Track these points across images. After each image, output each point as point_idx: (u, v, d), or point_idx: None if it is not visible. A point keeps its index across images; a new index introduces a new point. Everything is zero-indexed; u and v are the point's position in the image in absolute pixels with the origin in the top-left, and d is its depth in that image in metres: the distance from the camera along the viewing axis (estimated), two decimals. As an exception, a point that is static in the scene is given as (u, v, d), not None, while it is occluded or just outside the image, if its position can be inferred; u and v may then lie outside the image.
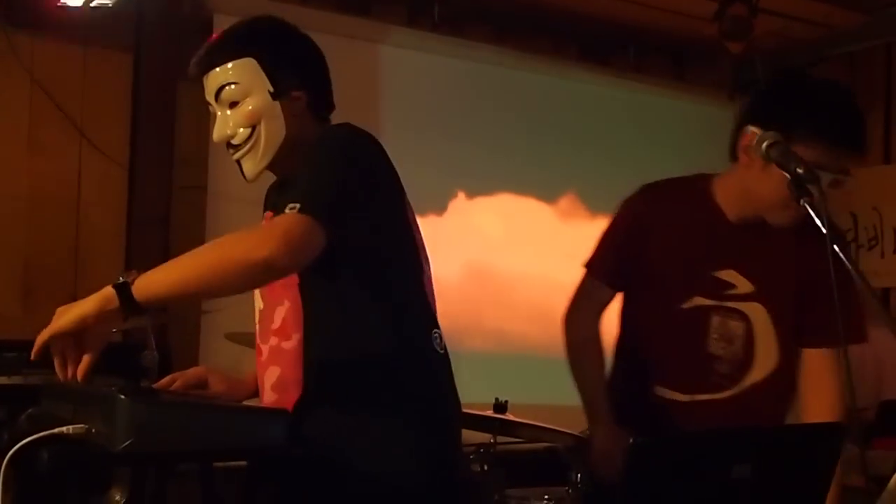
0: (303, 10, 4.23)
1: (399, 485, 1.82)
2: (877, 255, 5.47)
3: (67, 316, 1.74)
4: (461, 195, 4.79)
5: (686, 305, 2.24)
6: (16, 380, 3.25)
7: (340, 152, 1.83)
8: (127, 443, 1.52)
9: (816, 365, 2.25)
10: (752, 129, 2.13)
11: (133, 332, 3.29)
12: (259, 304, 2.05)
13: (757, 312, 2.24)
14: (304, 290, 1.91)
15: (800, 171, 1.87)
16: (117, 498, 2.60)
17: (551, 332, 4.88)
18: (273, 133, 1.92)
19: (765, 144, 1.99)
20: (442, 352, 1.92)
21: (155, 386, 2.03)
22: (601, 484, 2.27)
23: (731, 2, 4.55)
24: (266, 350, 2.00)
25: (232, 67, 1.92)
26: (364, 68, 4.48)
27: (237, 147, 1.94)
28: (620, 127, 5.31)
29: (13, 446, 1.61)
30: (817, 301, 2.22)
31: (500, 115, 5.02)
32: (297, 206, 1.69)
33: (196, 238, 4.15)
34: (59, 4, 3.81)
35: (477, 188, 4.89)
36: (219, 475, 2.26)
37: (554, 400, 4.50)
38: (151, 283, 1.75)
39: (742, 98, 5.83)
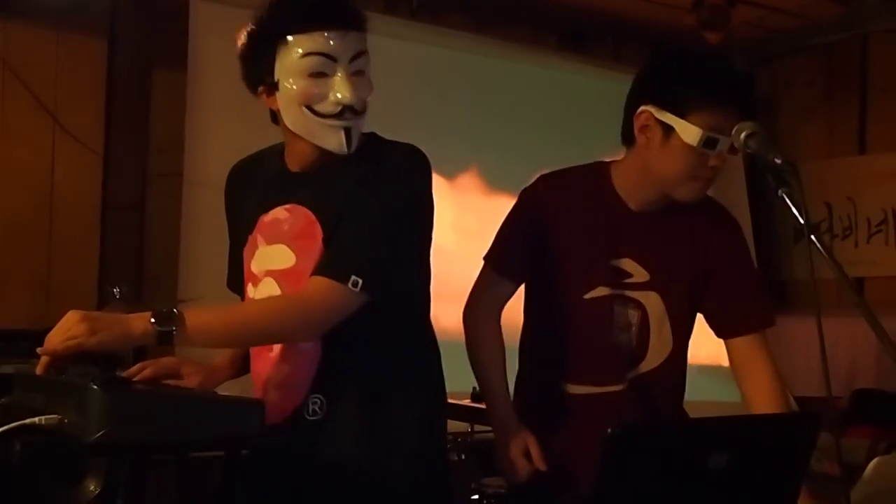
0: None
1: (402, 476, 1.94)
2: (851, 244, 5.51)
3: (91, 340, 1.69)
4: (438, 181, 4.78)
5: (589, 296, 2.21)
6: (-13, 368, 3.23)
7: (407, 209, 1.91)
8: (100, 433, 1.52)
9: (745, 353, 2.24)
10: (645, 108, 2.15)
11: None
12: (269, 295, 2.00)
13: (652, 301, 2.22)
14: None
15: (778, 161, 1.87)
16: (91, 488, 2.58)
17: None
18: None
19: (743, 135, 1.99)
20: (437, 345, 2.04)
21: (125, 374, 2.00)
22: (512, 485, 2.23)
23: (710, -9, 4.56)
24: (277, 348, 1.96)
25: (365, 39, 1.91)
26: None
27: (357, 114, 1.90)
28: (598, 115, 5.29)
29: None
30: (727, 289, 2.25)
31: (477, 103, 5.01)
32: (358, 282, 1.81)
33: (171, 226, 4.13)
34: (32, -11, 3.77)
35: (453, 176, 4.88)
36: (196, 464, 2.24)
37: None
38: (195, 336, 1.77)
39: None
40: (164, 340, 1.74)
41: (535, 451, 2.13)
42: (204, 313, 1.81)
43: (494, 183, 5.00)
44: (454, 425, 3.11)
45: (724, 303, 2.25)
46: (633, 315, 2.22)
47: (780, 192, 1.89)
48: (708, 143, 2.09)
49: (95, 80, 4.13)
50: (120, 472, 1.89)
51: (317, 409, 1.92)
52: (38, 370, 1.73)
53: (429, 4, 4.95)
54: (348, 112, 1.88)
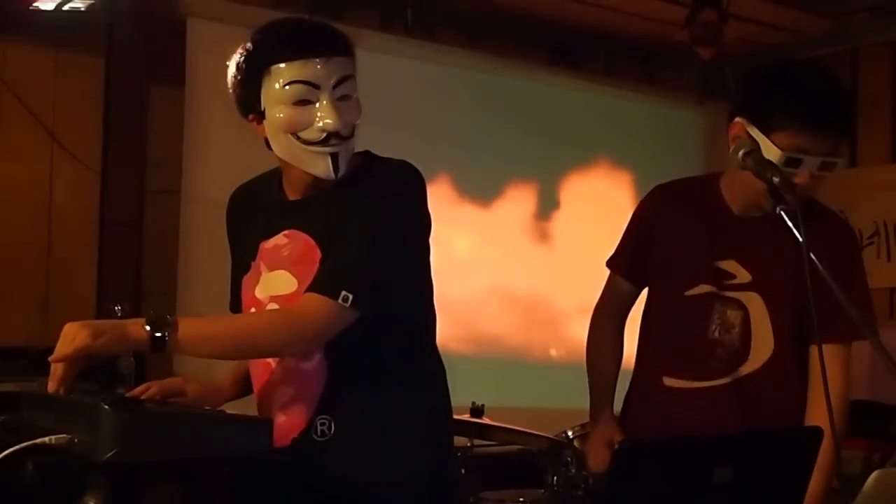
0: (274, 13, 4.21)
1: (410, 495, 1.97)
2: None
3: (97, 343, 1.74)
4: (433, 197, 4.79)
5: (690, 293, 2.30)
6: (-12, 386, 3.23)
7: (399, 224, 1.92)
8: (111, 453, 1.52)
9: (817, 361, 2.25)
10: (738, 119, 2.18)
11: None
12: None
13: (754, 302, 2.27)
14: None
15: (776, 179, 1.90)
16: (91, 505, 2.58)
17: (528, 336, 4.91)
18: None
19: (741, 153, 2.03)
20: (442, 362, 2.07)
21: (131, 393, 2.01)
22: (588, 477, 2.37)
23: (702, 7, 4.59)
24: (279, 369, 1.97)
25: (352, 63, 1.93)
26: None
27: (343, 140, 1.91)
28: (591, 130, 5.35)
29: (-8, 456, 1.61)
30: (822, 296, 2.23)
31: (472, 118, 5.04)
32: (348, 297, 1.82)
33: (169, 242, 4.15)
34: (31, 7, 3.78)
35: (448, 190, 4.90)
36: (201, 483, 2.26)
37: (530, 403, 4.54)
38: (186, 344, 1.80)
39: (710, 102, 5.90)
40: (157, 346, 1.76)
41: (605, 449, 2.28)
42: (197, 322, 1.84)
43: (489, 196, 5.03)
44: (454, 440, 3.12)
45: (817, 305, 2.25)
46: (736, 315, 2.27)
47: (777, 209, 1.91)
48: (789, 162, 2.10)
49: (93, 97, 4.15)
50: (122, 491, 1.89)
51: (325, 430, 1.94)
52: (51, 384, 1.74)
53: (423, 21, 4.98)
54: (334, 138, 1.89)
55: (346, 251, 1.88)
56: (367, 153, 2.01)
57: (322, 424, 1.94)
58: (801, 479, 1.62)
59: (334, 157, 1.90)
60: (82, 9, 3.85)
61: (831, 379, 2.13)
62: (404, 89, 4.77)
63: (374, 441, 1.94)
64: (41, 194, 4.03)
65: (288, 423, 1.94)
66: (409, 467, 1.97)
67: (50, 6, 3.81)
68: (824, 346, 2.14)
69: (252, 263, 2.04)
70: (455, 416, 3.02)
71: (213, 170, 4.07)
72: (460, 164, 4.94)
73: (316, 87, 1.88)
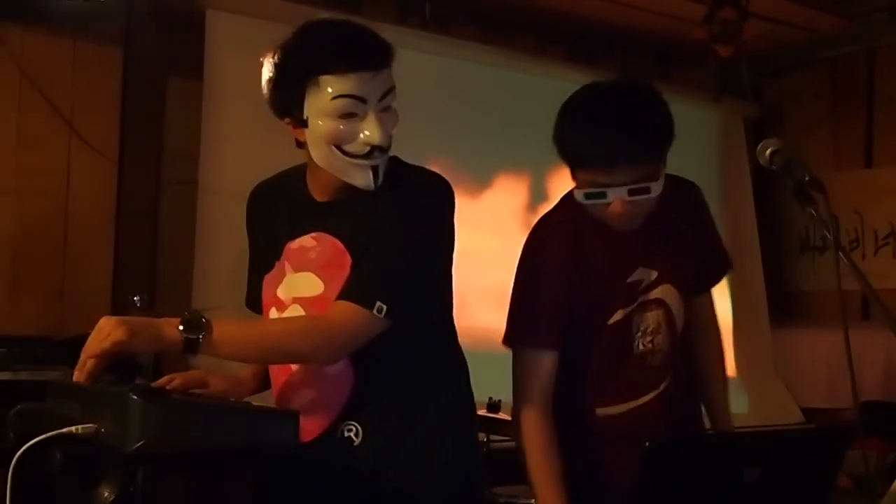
0: (293, 6, 4.22)
1: (437, 489, 1.96)
2: (858, 257, 5.53)
3: (133, 341, 1.74)
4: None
5: (612, 321, 2.16)
6: (5, 375, 3.24)
7: (430, 235, 1.92)
8: (140, 443, 1.52)
9: (701, 308, 2.32)
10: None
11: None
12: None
13: (667, 292, 2.19)
14: None
15: (806, 178, 1.88)
16: (106, 495, 2.58)
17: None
18: None
19: (768, 151, 2.00)
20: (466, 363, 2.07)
21: (155, 384, 2.01)
22: None
23: (722, 5, 4.58)
24: (300, 370, 1.97)
25: (391, 74, 1.90)
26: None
27: (383, 152, 1.90)
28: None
29: (18, 445, 1.61)
30: (699, 254, 2.27)
31: (487, 113, 5.03)
32: (382, 308, 1.82)
33: (185, 234, 4.15)
34: (50, -2, 3.79)
35: (464, 184, 4.89)
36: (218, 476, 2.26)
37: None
38: (219, 347, 1.79)
39: (726, 100, 5.89)
40: (190, 348, 1.76)
41: None
42: (231, 325, 1.83)
43: (508, 192, 5.03)
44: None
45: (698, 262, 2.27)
46: (655, 315, 2.18)
47: (806, 209, 1.90)
48: (591, 196, 2.03)
49: (111, 88, 4.15)
50: (138, 481, 1.89)
51: (352, 436, 1.94)
52: (80, 375, 1.73)
53: (440, 15, 4.97)
54: (377, 151, 1.88)
55: (381, 261, 1.88)
56: (394, 159, 1.99)
57: (349, 431, 1.93)
58: (827, 478, 1.61)
59: (375, 168, 1.90)
60: (102, -1, 3.85)
61: (714, 323, 2.36)
62: (420, 83, 4.76)
63: (400, 446, 1.94)
64: (58, 184, 4.03)
65: (308, 425, 1.91)
66: (436, 467, 1.97)
67: (70, -4, 3.82)
68: (705, 297, 2.35)
69: (276, 263, 2.03)
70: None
71: (230, 162, 4.07)
72: (474, 158, 4.93)
73: (363, 101, 1.85)
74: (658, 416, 2.14)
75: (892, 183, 5.54)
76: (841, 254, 1.76)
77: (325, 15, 2.00)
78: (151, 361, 2.89)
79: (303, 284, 1.97)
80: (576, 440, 2.13)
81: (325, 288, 1.93)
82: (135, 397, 1.54)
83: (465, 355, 2.09)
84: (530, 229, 2.26)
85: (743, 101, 6.01)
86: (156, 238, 4.25)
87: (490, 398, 3.16)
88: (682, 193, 2.27)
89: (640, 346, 2.17)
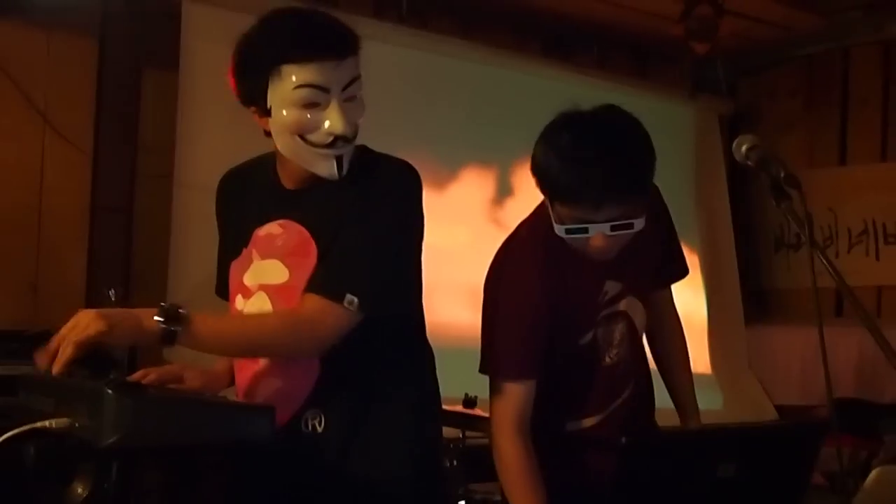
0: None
1: (398, 480, 1.96)
2: (832, 254, 5.57)
3: (112, 333, 1.73)
4: (429, 186, 4.77)
5: (584, 341, 2.16)
6: (-22, 369, 3.20)
7: (398, 224, 1.91)
8: (114, 437, 1.52)
9: (657, 306, 2.34)
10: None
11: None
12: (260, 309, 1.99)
13: (631, 304, 2.21)
14: None
15: (781, 174, 1.89)
16: (80, 490, 2.57)
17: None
18: None
19: (744, 147, 2.01)
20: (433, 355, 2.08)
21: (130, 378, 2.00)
22: None
23: (698, 2, 4.60)
24: (266, 360, 1.97)
25: (357, 62, 1.89)
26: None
27: (348, 142, 1.90)
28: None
29: (-10, 440, 1.59)
30: (657, 253, 2.29)
31: (464, 107, 5.03)
32: (353, 300, 1.82)
33: (160, 227, 4.12)
34: (25, -12, 3.75)
35: (440, 180, 4.89)
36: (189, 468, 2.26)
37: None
38: (197, 339, 1.79)
39: (702, 97, 5.92)
40: (168, 340, 1.74)
41: None
42: (209, 319, 1.82)
43: (483, 186, 5.03)
44: (445, 431, 3.12)
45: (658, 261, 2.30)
46: (618, 328, 2.20)
47: (781, 205, 1.91)
48: (572, 231, 2.01)
49: (86, 80, 4.11)
50: (113, 475, 1.88)
51: (316, 423, 1.93)
52: (56, 368, 1.71)
53: (417, 9, 4.96)
54: (340, 141, 1.88)
55: (349, 251, 1.87)
56: (362, 148, 1.99)
57: (313, 418, 1.93)
58: (802, 474, 1.63)
59: (339, 158, 1.89)
60: (77, -10, 3.82)
61: (673, 313, 2.39)
62: (397, 78, 4.76)
63: (363, 435, 1.94)
64: (32, 176, 3.99)
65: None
66: (398, 456, 1.97)
67: (44, -14, 3.78)
68: (664, 291, 2.37)
69: (244, 250, 2.03)
70: (447, 408, 3.04)
71: (206, 155, 4.04)
72: (450, 153, 4.93)
73: (325, 90, 1.85)
74: (624, 422, 2.16)
75: (866, 181, 5.58)
76: (816, 251, 1.77)
77: (300, 8, 1.99)
78: (126, 356, 2.86)
79: (269, 272, 1.97)
80: (548, 451, 2.11)
81: (291, 275, 1.93)
82: (109, 391, 1.53)
83: (439, 352, 2.10)
84: (500, 250, 2.22)
85: (718, 98, 6.04)
86: (130, 231, 4.22)
87: (466, 394, 3.16)
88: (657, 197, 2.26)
89: (607, 359, 2.19)
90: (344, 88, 1.87)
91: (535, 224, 2.20)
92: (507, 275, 2.16)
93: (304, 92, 1.84)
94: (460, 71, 5.05)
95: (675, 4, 4.79)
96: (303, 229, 1.95)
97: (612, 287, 2.17)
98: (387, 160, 2.00)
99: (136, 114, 4.25)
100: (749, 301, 5.97)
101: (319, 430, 1.93)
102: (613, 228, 1.98)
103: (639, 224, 1.99)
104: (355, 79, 1.89)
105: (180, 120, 4.14)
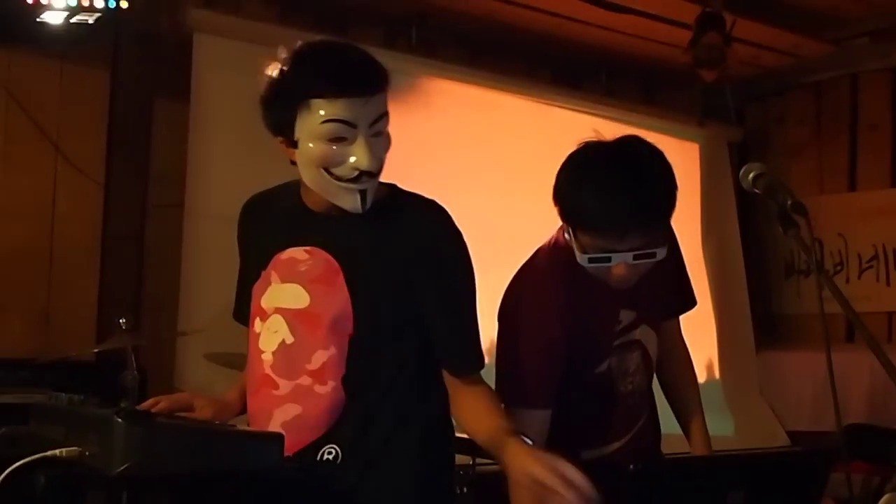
0: (281, 29, 4.24)
1: None
2: (842, 280, 5.56)
3: None
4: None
5: (600, 370, 2.18)
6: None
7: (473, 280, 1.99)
8: (124, 466, 1.52)
9: (667, 336, 2.34)
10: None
11: (113, 353, 3.25)
12: (285, 336, 1.97)
13: (645, 333, 2.23)
14: (360, 343, 1.92)
15: (788, 202, 1.89)
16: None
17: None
18: None
19: (751, 175, 2.01)
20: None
21: (139, 408, 2.01)
22: None
23: (706, 30, 4.61)
24: (288, 386, 1.95)
25: (385, 98, 1.89)
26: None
27: (373, 178, 1.90)
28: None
29: (1, 468, 1.60)
30: (668, 284, 2.30)
31: (473, 135, 5.05)
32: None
33: (171, 256, 4.14)
34: (38, 20, 3.78)
35: (452, 206, 4.89)
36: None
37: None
38: None
39: (710, 124, 5.93)
40: None
41: None
42: None
43: (489, 213, 5.04)
44: (457, 458, 3.12)
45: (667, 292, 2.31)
46: (633, 357, 2.21)
47: (788, 233, 1.90)
48: (595, 260, 2.03)
49: (98, 110, 4.15)
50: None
51: (331, 458, 1.93)
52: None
53: (427, 39, 4.99)
54: (365, 176, 1.88)
55: (466, 319, 1.96)
56: (390, 185, 2.01)
57: (329, 454, 1.93)
58: (812, 501, 1.62)
59: (363, 192, 1.89)
60: (90, 22, 3.85)
61: (681, 342, 2.39)
62: (407, 106, 4.78)
63: (375, 466, 1.93)
64: (44, 206, 4.02)
65: (288, 442, 1.92)
66: (409, 495, 1.96)
67: (57, 19, 3.82)
68: (671, 321, 2.36)
69: (262, 273, 2.03)
70: (457, 434, 3.04)
71: (217, 184, 4.07)
72: (462, 178, 4.94)
73: (353, 126, 1.85)
74: (637, 450, 2.16)
75: (876, 206, 5.58)
76: (823, 278, 1.77)
77: (311, 38, 2.01)
78: (137, 384, 2.88)
79: (288, 295, 1.96)
80: None
81: (312, 302, 1.93)
82: (119, 420, 1.54)
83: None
84: (517, 277, 2.23)
85: (727, 125, 6.05)
86: (142, 260, 4.24)
87: (476, 421, 3.15)
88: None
89: (622, 388, 2.20)
90: (371, 124, 1.87)
91: (552, 252, 2.21)
92: (525, 304, 2.16)
93: (331, 126, 1.84)
94: (470, 99, 5.07)
95: (683, 32, 4.81)
96: (330, 258, 1.94)
97: (626, 316, 2.18)
98: (418, 199, 2.02)
99: (147, 144, 4.29)
100: (760, 327, 5.95)
101: (336, 462, 1.93)
102: (636, 258, 1.99)
103: (661, 253, 2.01)
104: (382, 115, 1.89)
105: (191, 150, 4.17)
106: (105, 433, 1.55)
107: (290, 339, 1.95)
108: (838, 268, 5.61)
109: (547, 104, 5.33)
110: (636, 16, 4.90)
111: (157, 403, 2.00)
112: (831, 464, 1.58)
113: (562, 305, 2.12)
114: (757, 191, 2.02)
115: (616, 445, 2.19)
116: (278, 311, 1.97)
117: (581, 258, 2.03)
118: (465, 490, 3.10)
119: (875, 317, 5.40)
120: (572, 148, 2.15)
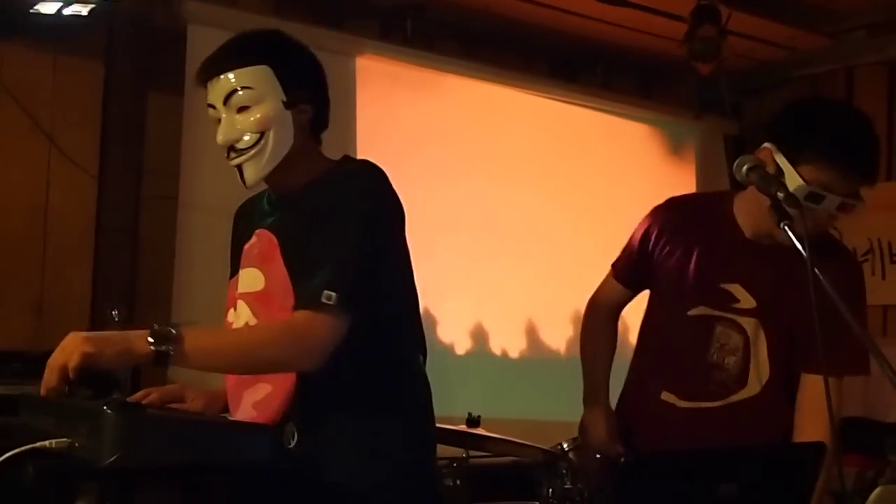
0: (276, 21, 4.22)
1: (384, 497, 1.91)
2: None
3: (101, 357, 1.72)
4: (435, 205, 4.77)
5: (692, 313, 2.32)
6: (-18, 390, 3.21)
7: (366, 219, 1.90)
8: (113, 457, 1.52)
9: (811, 390, 2.28)
10: (768, 145, 2.19)
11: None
12: (248, 319, 2.00)
13: (755, 329, 2.28)
14: None
15: (780, 194, 1.90)
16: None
17: (525, 345, 4.90)
18: (280, 142, 1.96)
19: (745, 168, 2.03)
20: (425, 375, 2.05)
21: (131, 398, 2.00)
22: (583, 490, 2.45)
23: (702, 23, 4.60)
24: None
25: (246, 73, 1.95)
26: (338, 80, 4.47)
27: (241, 152, 1.95)
28: (587, 142, 5.35)
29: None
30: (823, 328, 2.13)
31: (469, 128, 5.04)
32: (331, 295, 1.80)
33: (165, 248, 4.13)
34: (31, 11, 3.77)
35: (449, 199, 4.89)
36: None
37: (525, 415, 4.54)
38: (191, 358, 1.77)
39: (706, 117, 5.93)
40: (161, 361, 1.74)
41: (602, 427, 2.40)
42: (202, 336, 1.83)
43: (485, 206, 5.03)
44: (449, 450, 3.12)
45: (811, 339, 2.14)
46: (737, 340, 2.29)
47: (781, 224, 1.91)
48: (811, 197, 2.12)
49: (92, 102, 4.13)
50: (113, 496, 1.88)
51: (289, 438, 1.92)
52: (43, 390, 1.72)
53: (423, 31, 4.98)
54: (232, 152, 1.96)
55: (318, 257, 1.87)
56: (344, 158, 2.06)
57: (288, 432, 1.92)
58: (805, 494, 1.62)
59: (239, 168, 1.97)
60: (83, 14, 3.84)
61: (822, 410, 2.05)
62: (404, 99, 4.78)
63: (335, 449, 1.92)
64: (38, 197, 4.01)
65: (259, 420, 1.93)
66: (382, 474, 1.94)
67: (51, 10, 3.80)
68: (818, 378, 2.15)
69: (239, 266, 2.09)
70: (450, 427, 3.03)
71: (210, 177, 4.06)
72: (458, 172, 4.94)
73: (213, 107, 1.98)
74: (718, 429, 2.26)
75: (871, 200, 5.55)
76: (815, 270, 1.77)
77: (307, 30, 2.04)
78: (129, 376, 2.87)
79: (248, 280, 2.02)
80: (642, 416, 2.41)
81: (266, 282, 1.97)
82: (109, 411, 1.53)
83: (444, 372, 2.08)
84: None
85: (723, 118, 6.04)
86: (135, 253, 4.23)
87: (469, 414, 3.15)
88: (840, 262, 2.33)
89: (713, 357, 2.29)
90: (225, 102, 1.95)
91: (706, 194, 2.56)
92: (653, 209, 2.49)
93: (208, 111, 2.00)
94: (465, 92, 5.06)
95: (679, 25, 4.80)
96: (272, 236, 2.00)
97: (742, 295, 2.28)
98: (349, 161, 2.05)
99: (141, 136, 4.27)
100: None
101: (292, 443, 1.92)
102: (840, 207, 2.17)
103: (857, 210, 2.20)
104: (233, 91, 1.95)
105: (185, 142, 4.16)
106: (95, 424, 1.54)
107: (253, 322, 1.98)
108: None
109: (543, 97, 5.32)
110: (632, 9, 4.89)
111: (147, 395, 2.02)
112: (823, 457, 1.58)
113: (676, 215, 2.43)
114: (750, 183, 2.03)
115: (693, 405, 2.32)
116: (241, 296, 2.02)
117: (802, 188, 2.10)
118: (457, 483, 3.10)
119: (870, 310, 5.32)
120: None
